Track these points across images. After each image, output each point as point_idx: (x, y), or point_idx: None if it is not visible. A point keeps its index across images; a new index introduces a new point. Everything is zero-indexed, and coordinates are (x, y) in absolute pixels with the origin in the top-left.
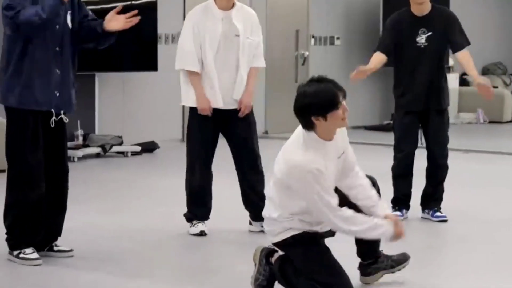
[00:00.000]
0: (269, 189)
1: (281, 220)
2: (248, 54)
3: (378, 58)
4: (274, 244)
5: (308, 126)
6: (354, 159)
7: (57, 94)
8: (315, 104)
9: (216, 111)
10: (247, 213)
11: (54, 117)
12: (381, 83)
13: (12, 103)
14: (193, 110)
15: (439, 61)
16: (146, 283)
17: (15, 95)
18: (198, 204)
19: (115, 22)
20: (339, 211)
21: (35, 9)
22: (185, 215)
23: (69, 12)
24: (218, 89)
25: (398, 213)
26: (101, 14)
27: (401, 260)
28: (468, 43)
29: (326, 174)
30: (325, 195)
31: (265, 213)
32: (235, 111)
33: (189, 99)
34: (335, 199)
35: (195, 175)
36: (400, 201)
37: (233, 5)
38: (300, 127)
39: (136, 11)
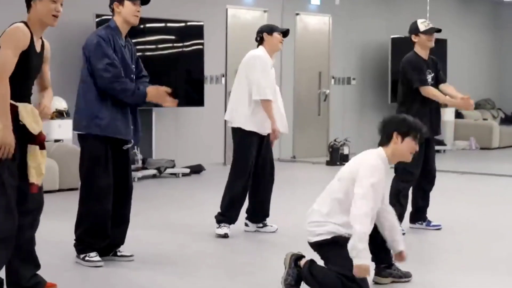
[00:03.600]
0: (321, 203)
1: (326, 225)
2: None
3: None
4: (313, 242)
5: (387, 140)
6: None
7: (132, 127)
8: (405, 123)
9: (258, 135)
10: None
11: (127, 144)
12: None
13: (96, 131)
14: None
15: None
16: (195, 280)
17: (99, 125)
18: (235, 208)
19: (159, 99)
20: (366, 210)
21: (133, 88)
22: (216, 217)
23: (133, 66)
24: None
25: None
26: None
27: (407, 274)
28: (445, 81)
29: (381, 186)
30: (371, 192)
31: (312, 219)
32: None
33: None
34: (371, 203)
35: (241, 185)
36: (419, 214)
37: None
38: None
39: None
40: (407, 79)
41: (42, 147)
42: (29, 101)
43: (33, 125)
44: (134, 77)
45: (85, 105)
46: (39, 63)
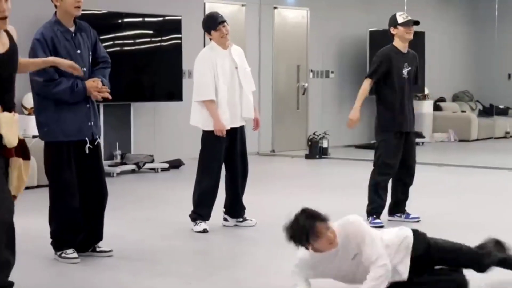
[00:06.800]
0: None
1: None
2: (248, 81)
3: (367, 88)
4: None
5: None
6: (370, 260)
7: (91, 124)
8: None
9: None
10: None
11: (88, 144)
12: (367, 108)
13: (47, 138)
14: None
15: (412, 91)
16: (173, 276)
17: (46, 132)
18: (206, 205)
19: (95, 91)
20: None
21: (69, 86)
22: (190, 215)
23: (90, 53)
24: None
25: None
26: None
27: None
28: (418, 84)
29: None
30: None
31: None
32: (238, 130)
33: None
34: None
35: (210, 182)
36: (398, 207)
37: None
38: None
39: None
40: None
41: (26, 157)
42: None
43: (9, 137)
44: (88, 66)
45: (35, 111)
46: (6, 64)
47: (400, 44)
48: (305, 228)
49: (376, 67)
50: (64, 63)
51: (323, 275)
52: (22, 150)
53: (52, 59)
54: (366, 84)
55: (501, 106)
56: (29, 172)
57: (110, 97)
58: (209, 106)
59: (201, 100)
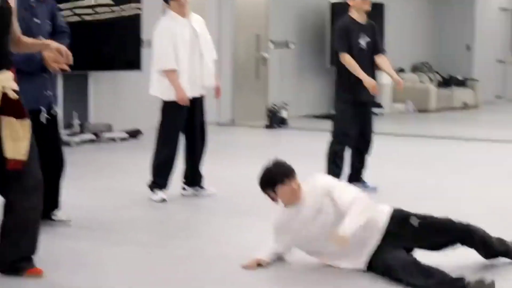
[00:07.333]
0: None
1: None
2: (209, 49)
3: (351, 59)
4: None
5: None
6: (348, 201)
7: (47, 94)
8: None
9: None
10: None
11: (45, 114)
12: (327, 79)
13: None
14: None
15: (373, 62)
16: (130, 245)
17: None
18: (164, 175)
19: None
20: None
21: (22, 56)
22: (148, 184)
23: (49, 23)
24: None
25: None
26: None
27: None
28: (385, 51)
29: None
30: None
31: None
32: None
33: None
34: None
35: (169, 151)
36: (355, 175)
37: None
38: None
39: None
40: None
41: (19, 116)
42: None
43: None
44: (48, 37)
45: None
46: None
47: (357, 15)
48: (272, 172)
49: (338, 39)
50: (52, 45)
51: (296, 241)
52: (13, 109)
53: (47, 42)
54: (346, 56)
55: (459, 77)
56: (27, 132)
57: (68, 69)
58: (170, 75)
59: (162, 70)
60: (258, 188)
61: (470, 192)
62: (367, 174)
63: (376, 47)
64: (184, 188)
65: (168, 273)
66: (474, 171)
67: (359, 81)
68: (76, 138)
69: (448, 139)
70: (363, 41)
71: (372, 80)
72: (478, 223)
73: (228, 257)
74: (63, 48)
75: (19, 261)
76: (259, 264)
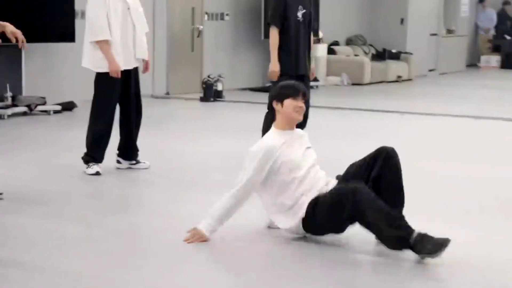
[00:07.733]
0: None
1: None
2: (141, 21)
3: (277, 36)
4: None
5: (273, 113)
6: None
7: None
8: (277, 89)
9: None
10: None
11: None
12: (262, 52)
13: None
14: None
15: (309, 35)
16: (63, 219)
17: None
18: (100, 148)
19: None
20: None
21: None
22: (83, 158)
23: None
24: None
25: None
26: None
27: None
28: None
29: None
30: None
31: None
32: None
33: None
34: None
35: (103, 124)
36: None
37: None
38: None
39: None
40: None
41: None
42: None
43: None
44: None
45: None
46: None
47: None
48: (289, 85)
49: (274, 11)
50: (7, 28)
51: (286, 164)
52: None
53: (4, 24)
54: (274, 32)
55: (393, 51)
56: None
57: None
58: (103, 46)
59: (95, 41)
60: (195, 161)
61: (403, 164)
62: None
63: (311, 23)
64: (118, 161)
65: (108, 248)
66: (408, 144)
67: (296, 53)
68: (8, 111)
69: (382, 112)
70: (300, 13)
71: (276, 66)
72: (407, 194)
73: (170, 229)
74: (19, 33)
75: None
76: (202, 239)
